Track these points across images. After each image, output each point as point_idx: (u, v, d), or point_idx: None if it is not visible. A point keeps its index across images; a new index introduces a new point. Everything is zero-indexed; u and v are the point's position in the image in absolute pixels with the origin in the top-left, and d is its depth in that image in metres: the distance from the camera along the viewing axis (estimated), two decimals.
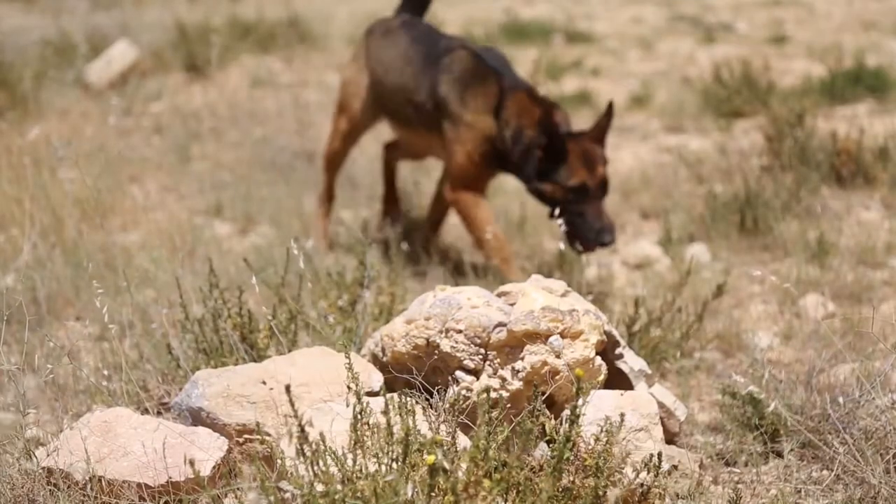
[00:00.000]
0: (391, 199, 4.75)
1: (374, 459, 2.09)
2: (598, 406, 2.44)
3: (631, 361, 2.75)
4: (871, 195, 4.88)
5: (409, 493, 1.91)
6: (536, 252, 4.45)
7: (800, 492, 2.52)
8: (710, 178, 5.19)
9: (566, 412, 2.36)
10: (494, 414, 2.10)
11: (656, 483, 2.31)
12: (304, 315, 3.06)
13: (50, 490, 2.37)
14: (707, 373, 3.26)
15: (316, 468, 2.00)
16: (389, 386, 2.63)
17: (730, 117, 6.52)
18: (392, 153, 4.76)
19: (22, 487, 2.40)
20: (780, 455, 2.70)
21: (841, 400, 2.63)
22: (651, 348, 3.20)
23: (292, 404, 2.02)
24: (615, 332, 2.73)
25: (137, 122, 6.80)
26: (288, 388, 2.03)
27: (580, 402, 2.07)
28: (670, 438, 2.68)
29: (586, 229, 3.81)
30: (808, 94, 6.53)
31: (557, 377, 2.52)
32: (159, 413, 2.87)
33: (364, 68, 4.44)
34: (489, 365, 2.57)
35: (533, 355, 2.53)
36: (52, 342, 3.05)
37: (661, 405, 2.63)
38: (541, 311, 2.55)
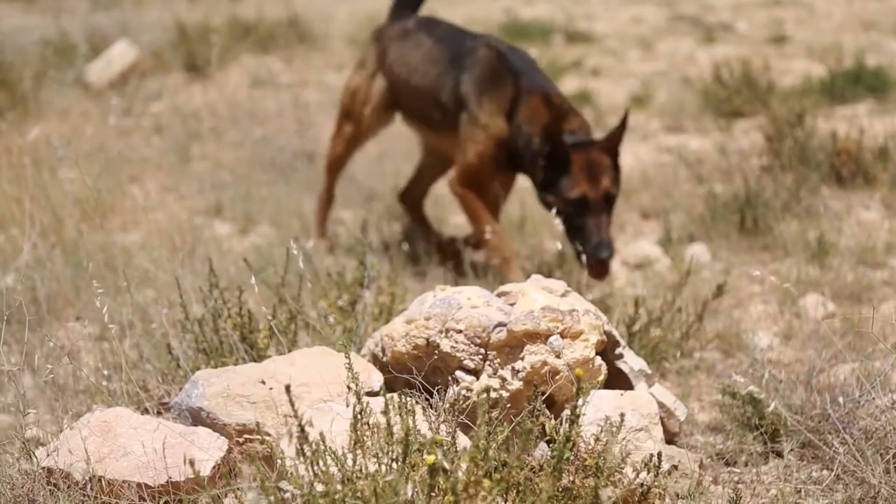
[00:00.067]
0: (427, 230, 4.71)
1: (374, 459, 2.09)
2: (598, 406, 2.44)
3: (631, 361, 2.75)
4: (871, 195, 4.88)
5: (409, 493, 1.91)
6: (536, 252, 4.45)
7: (800, 492, 2.52)
8: (710, 178, 5.19)
9: (566, 412, 2.35)
10: (494, 414, 2.10)
11: (656, 483, 2.31)
12: (304, 315, 3.06)
13: (50, 490, 2.37)
14: (707, 373, 3.26)
15: (316, 468, 2.00)
16: (389, 386, 2.63)
17: (730, 117, 6.52)
18: (409, 198, 4.69)
19: (22, 487, 2.40)
20: (780, 455, 2.70)
21: (841, 400, 2.63)
22: (651, 348, 3.20)
23: (292, 404, 2.02)
24: (615, 332, 2.73)
25: (137, 122, 6.80)
26: (288, 388, 2.03)
27: (580, 402, 2.07)
28: (670, 438, 2.68)
29: (584, 242, 3.73)
30: (808, 94, 6.53)
31: (557, 377, 2.52)
32: (159, 413, 2.87)
33: (376, 74, 4.39)
34: (489, 365, 2.57)
35: (533, 355, 2.53)
36: (52, 342, 3.05)
37: (661, 405, 2.63)
38: (541, 311, 2.55)
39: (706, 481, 2.59)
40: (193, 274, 3.71)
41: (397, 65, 4.31)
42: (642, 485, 2.31)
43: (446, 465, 1.88)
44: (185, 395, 2.57)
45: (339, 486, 1.99)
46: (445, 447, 2.16)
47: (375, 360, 2.76)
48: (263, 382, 2.53)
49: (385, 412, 2.08)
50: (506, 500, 2.05)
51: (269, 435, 2.45)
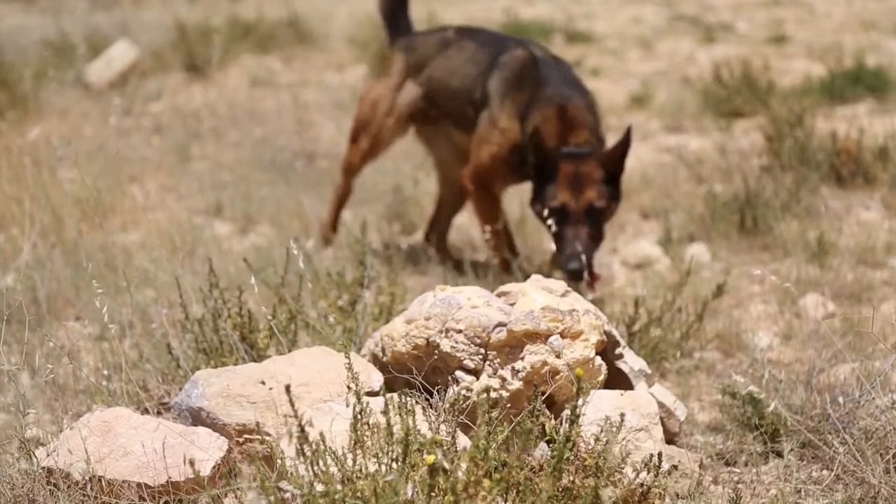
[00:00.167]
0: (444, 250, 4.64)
1: (374, 459, 2.08)
2: (598, 406, 2.44)
3: (631, 361, 2.75)
4: (871, 195, 4.88)
5: (409, 493, 1.91)
6: (536, 252, 4.45)
7: (800, 492, 2.52)
8: (710, 178, 5.19)
9: (566, 412, 2.35)
10: (494, 414, 2.10)
11: (656, 483, 2.31)
12: (304, 315, 3.06)
13: (50, 490, 2.37)
14: (707, 373, 3.26)
15: (316, 468, 2.00)
16: (389, 386, 2.63)
17: (730, 117, 6.52)
18: (434, 237, 4.59)
19: (22, 487, 2.40)
20: (780, 455, 2.70)
21: (841, 400, 2.63)
22: (651, 348, 3.20)
23: (292, 404, 2.02)
24: (615, 332, 2.73)
25: (137, 122, 6.81)
26: (288, 388, 2.03)
27: (580, 402, 2.07)
28: (670, 438, 2.68)
29: (559, 251, 3.70)
30: (808, 94, 6.53)
31: (557, 377, 2.52)
32: (159, 413, 2.87)
33: (404, 83, 4.33)
34: (489, 365, 2.57)
35: (533, 355, 2.53)
36: (52, 342, 3.05)
37: (661, 405, 2.63)
38: (541, 311, 2.55)
39: (706, 481, 2.59)
40: (193, 274, 3.71)
41: (438, 70, 4.25)
42: (642, 485, 2.31)
43: (446, 465, 1.88)
44: (185, 395, 2.57)
45: (339, 486, 1.99)
46: (445, 447, 2.16)
47: (375, 360, 2.76)
48: (263, 382, 2.53)
49: (385, 412, 2.08)
50: (506, 500, 2.05)
51: (269, 435, 2.45)
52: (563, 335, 2.54)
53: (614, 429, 2.25)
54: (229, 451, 2.45)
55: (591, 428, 2.34)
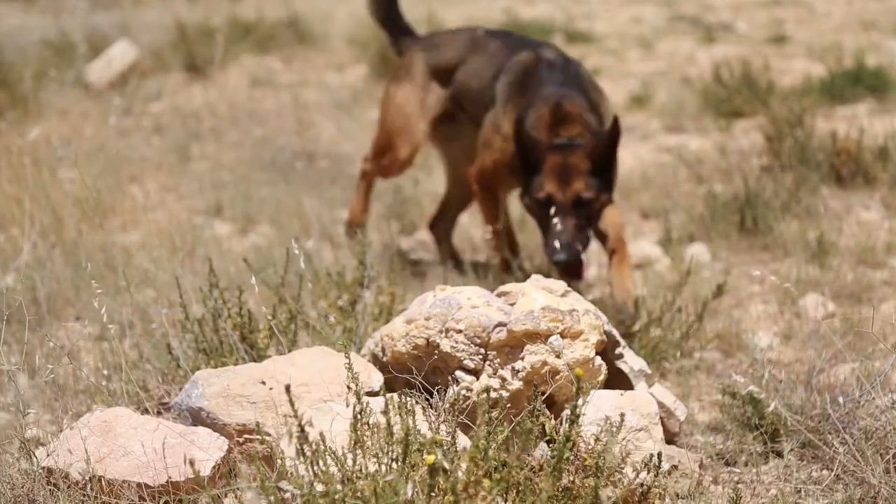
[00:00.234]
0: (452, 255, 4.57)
1: (374, 459, 2.08)
2: (598, 406, 2.44)
3: (631, 361, 2.75)
4: (871, 195, 4.88)
5: (409, 493, 1.91)
6: (536, 252, 4.44)
7: (800, 492, 2.52)
8: (709, 178, 5.18)
9: (566, 412, 2.35)
10: (494, 414, 2.10)
11: (656, 483, 2.31)
12: (304, 315, 3.06)
13: (50, 490, 2.37)
14: (707, 373, 3.26)
15: (316, 468, 2.00)
16: (389, 386, 2.63)
17: (730, 117, 6.52)
18: (438, 229, 4.55)
19: (22, 487, 2.40)
20: (780, 455, 2.70)
21: (841, 400, 2.63)
22: (651, 348, 3.21)
23: (292, 404, 2.02)
24: (615, 332, 2.73)
25: (137, 122, 6.81)
26: (288, 388, 2.03)
27: (580, 402, 2.07)
28: (670, 438, 2.68)
29: (545, 244, 3.66)
30: (808, 94, 6.53)
31: (557, 377, 2.52)
32: (159, 413, 2.87)
33: (429, 84, 4.24)
34: (489, 365, 2.57)
35: (533, 355, 2.53)
36: (52, 342, 3.05)
37: (661, 405, 2.63)
38: (541, 311, 2.55)
39: (706, 481, 2.59)
40: (193, 274, 3.71)
41: (464, 72, 4.19)
42: (642, 485, 2.31)
43: (446, 465, 1.88)
44: (185, 395, 2.57)
45: (339, 486, 1.99)
46: (445, 447, 2.16)
47: (375, 360, 2.76)
48: (263, 382, 2.53)
49: (385, 412, 2.08)
50: (506, 500, 2.05)
51: (269, 435, 2.45)
52: (563, 335, 2.54)
53: (614, 429, 2.25)
54: (229, 451, 2.45)
55: (591, 428, 2.34)
